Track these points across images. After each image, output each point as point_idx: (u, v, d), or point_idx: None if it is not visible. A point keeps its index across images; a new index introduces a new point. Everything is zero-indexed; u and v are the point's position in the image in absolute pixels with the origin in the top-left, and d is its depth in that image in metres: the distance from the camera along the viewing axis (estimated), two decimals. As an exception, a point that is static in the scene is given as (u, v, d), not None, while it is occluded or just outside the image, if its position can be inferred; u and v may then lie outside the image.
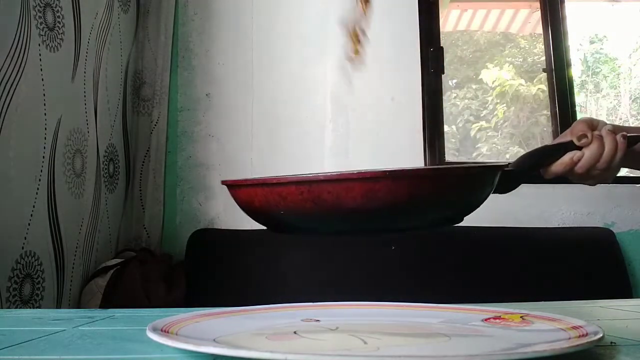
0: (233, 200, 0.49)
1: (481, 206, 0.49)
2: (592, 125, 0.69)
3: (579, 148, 0.66)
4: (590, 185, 0.72)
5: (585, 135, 0.66)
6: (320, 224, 0.45)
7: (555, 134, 1.83)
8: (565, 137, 0.70)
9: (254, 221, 0.49)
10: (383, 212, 0.42)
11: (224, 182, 0.50)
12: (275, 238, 1.58)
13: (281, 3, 1.79)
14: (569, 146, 0.67)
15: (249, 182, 0.47)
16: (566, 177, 0.70)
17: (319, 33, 1.75)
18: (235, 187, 0.48)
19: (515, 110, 3.22)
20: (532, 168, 0.66)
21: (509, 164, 0.63)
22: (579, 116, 1.33)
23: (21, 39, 1.06)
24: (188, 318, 0.45)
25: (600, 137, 0.66)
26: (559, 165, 0.66)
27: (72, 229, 1.28)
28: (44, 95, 1.16)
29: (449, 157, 1.80)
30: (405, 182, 0.42)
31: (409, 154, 1.72)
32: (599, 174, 0.68)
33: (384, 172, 0.42)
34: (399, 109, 1.74)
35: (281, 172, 1.72)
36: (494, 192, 0.53)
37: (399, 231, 0.49)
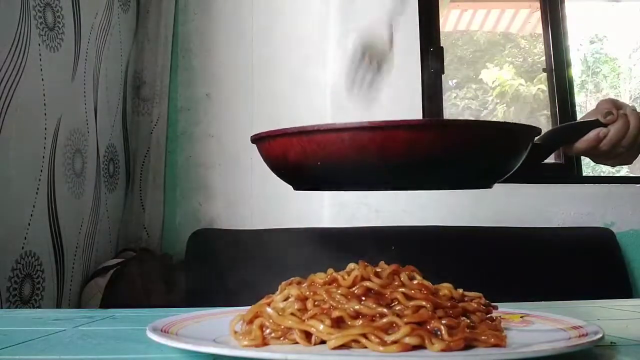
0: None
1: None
2: (617, 104, 0.70)
3: (604, 125, 0.67)
4: (610, 165, 0.73)
5: (611, 112, 0.67)
6: (359, 175, 0.43)
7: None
8: (589, 116, 0.70)
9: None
10: (425, 162, 0.42)
11: (254, 137, 0.48)
12: (275, 237, 1.58)
13: (281, 3, 1.79)
14: (594, 124, 0.68)
15: (284, 131, 0.44)
16: (588, 156, 0.71)
17: (319, 33, 1.75)
18: (268, 139, 0.46)
19: (515, 111, 3.21)
20: (558, 144, 0.67)
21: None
22: (579, 116, 1.33)
23: (21, 39, 1.06)
24: (188, 318, 0.45)
25: (625, 115, 0.68)
26: (584, 141, 0.67)
27: (72, 229, 1.28)
28: (44, 95, 1.16)
29: (449, 157, 1.80)
30: (451, 131, 0.42)
31: (409, 154, 1.71)
32: (622, 153, 0.69)
33: (431, 120, 0.43)
34: (400, 109, 1.74)
35: (281, 172, 1.72)
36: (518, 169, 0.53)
37: (435, 185, 0.48)
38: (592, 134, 0.67)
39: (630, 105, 0.71)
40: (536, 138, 0.63)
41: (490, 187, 0.50)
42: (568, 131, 0.71)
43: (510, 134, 0.46)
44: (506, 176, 0.49)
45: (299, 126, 0.43)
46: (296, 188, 0.51)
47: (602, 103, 0.70)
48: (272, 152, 0.47)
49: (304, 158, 0.43)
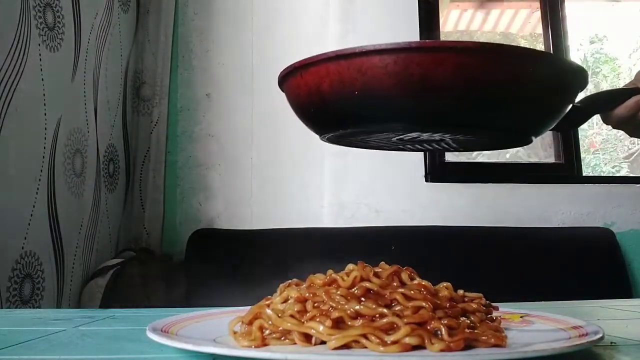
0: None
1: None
2: None
3: None
4: None
5: None
6: (397, 107, 0.39)
7: (555, 134, 1.83)
8: (628, 86, 0.69)
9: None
10: (472, 93, 0.38)
11: (283, 71, 0.45)
12: (275, 237, 1.58)
13: (281, 3, 1.79)
14: (634, 91, 0.66)
15: (320, 57, 0.41)
16: (626, 128, 0.69)
17: (319, 33, 1.75)
18: (300, 69, 0.43)
19: (515, 110, 3.21)
20: (597, 109, 0.66)
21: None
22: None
23: (21, 39, 1.06)
24: (188, 318, 0.45)
25: None
26: (624, 108, 0.66)
27: (72, 229, 1.28)
28: (44, 95, 1.16)
29: (449, 157, 1.80)
30: (506, 59, 0.37)
31: (408, 155, 1.72)
32: None
33: (487, 43, 0.38)
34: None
35: (280, 172, 1.72)
36: (555, 129, 0.49)
37: (471, 128, 0.42)
38: (632, 100, 0.65)
39: None
40: (576, 100, 0.58)
41: (529, 142, 0.47)
42: (607, 97, 0.69)
43: (572, 74, 0.42)
44: (546, 131, 0.46)
45: (335, 50, 0.40)
46: (323, 133, 0.48)
47: None
48: (303, 86, 0.43)
49: (340, 87, 0.40)
